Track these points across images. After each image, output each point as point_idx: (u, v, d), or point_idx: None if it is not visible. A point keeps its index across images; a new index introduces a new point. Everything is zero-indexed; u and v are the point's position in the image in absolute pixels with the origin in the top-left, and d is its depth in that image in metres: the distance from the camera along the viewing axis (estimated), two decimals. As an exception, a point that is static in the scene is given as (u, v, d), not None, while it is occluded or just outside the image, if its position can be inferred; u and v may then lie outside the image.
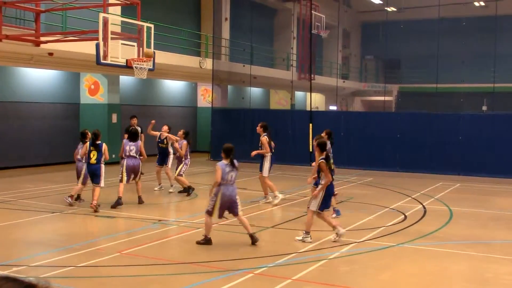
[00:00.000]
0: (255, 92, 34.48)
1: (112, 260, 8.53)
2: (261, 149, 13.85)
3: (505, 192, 16.72)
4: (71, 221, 11.62)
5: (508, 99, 36.46)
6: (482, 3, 37.96)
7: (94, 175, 12.57)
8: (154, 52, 15.55)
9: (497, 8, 36.57)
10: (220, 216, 9.53)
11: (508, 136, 19.71)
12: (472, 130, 20.36)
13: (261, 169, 13.90)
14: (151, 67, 15.59)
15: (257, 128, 14.18)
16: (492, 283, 7.91)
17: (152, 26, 15.70)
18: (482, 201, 14.81)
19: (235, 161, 9.59)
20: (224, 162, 9.58)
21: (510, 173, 19.17)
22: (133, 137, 13.50)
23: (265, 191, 14.03)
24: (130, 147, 13.34)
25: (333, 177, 10.07)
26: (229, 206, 9.46)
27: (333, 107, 38.82)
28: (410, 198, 14.81)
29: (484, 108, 36.69)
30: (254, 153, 14.00)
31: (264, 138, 13.75)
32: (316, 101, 37.64)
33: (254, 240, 9.53)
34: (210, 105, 26.84)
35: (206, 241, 9.57)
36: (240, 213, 9.53)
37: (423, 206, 13.55)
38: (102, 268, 8.18)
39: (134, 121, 18.06)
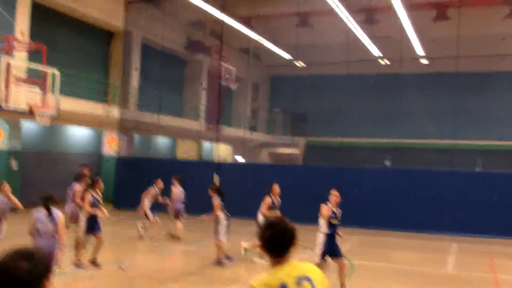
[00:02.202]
0: (162, 141, 34.25)
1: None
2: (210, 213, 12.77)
3: (405, 245, 17.30)
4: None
5: (409, 154, 38.07)
6: (387, 61, 39.83)
7: None
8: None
9: (401, 66, 38.65)
10: None
11: (410, 190, 20.51)
12: (375, 184, 21.08)
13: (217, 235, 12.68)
14: (55, 114, 15.18)
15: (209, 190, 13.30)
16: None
17: (57, 72, 15.37)
18: (383, 255, 15.25)
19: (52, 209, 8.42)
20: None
21: (412, 226, 19.86)
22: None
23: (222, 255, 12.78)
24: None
25: None
26: None
27: (240, 159, 39.12)
28: (311, 250, 14.98)
29: (387, 163, 38.07)
30: (206, 218, 12.88)
31: (216, 202, 12.74)
32: (223, 152, 37.83)
33: None
34: (115, 154, 26.32)
35: None
36: None
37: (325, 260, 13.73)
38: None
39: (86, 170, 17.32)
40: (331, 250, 10.18)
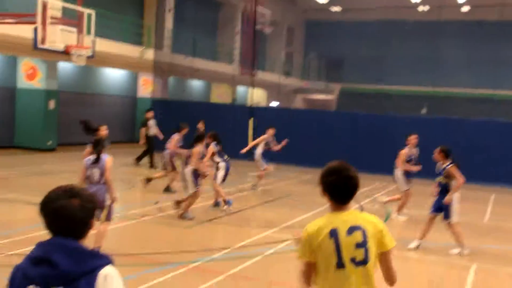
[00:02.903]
0: (196, 84, 34.25)
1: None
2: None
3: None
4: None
5: (446, 102, 37.37)
6: (426, 8, 38.80)
7: None
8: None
9: (440, 13, 37.57)
10: None
11: (448, 138, 20.12)
12: (410, 132, 20.75)
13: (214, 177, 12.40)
14: (91, 55, 15.22)
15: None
16: (425, 284, 8.06)
17: (93, 12, 15.31)
18: (419, 203, 15.13)
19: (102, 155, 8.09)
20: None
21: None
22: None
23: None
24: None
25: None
26: None
27: (274, 103, 39.00)
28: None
29: (424, 111, 37.55)
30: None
31: (211, 147, 12.19)
32: (258, 96, 37.71)
33: None
34: (150, 96, 26.45)
35: None
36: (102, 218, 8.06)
37: (360, 206, 13.76)
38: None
39: (150, 114, 19.03)
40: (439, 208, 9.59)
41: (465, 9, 38.39)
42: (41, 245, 2.43)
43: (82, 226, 2.49)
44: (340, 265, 3.23)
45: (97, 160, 7.97)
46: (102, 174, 7.95)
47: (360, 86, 41.58)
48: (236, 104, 34.39)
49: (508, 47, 38.15)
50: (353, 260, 3.24)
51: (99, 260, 2.41)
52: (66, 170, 16.40)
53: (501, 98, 37.54)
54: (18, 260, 2.53)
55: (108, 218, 8.11)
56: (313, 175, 19.81)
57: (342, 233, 3.24)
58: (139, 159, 19.02)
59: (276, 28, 35.95)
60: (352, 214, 3.36)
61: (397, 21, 39.87)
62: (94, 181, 7.95)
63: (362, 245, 3.25)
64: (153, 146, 18.61)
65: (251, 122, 21.32)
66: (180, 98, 29.59)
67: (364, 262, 3.25)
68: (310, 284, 3.35)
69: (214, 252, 8.73)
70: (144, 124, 18.81)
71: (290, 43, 44.41)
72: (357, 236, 3.25)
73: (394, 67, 39.81)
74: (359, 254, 3.24)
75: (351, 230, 3.26)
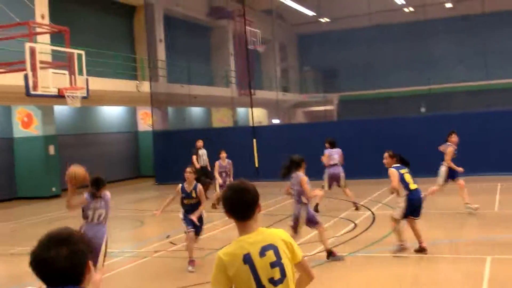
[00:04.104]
0: (196, 112, 34.19)
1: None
2: None
3: (448, 189, 16.90)
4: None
5: (443, 99, 37.41)
6: (411, 9, 39.06)
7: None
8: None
9: (425, 12, 37.74)
10: None
11: (445, 135, 20.02)
12: (413, 131, 20.69)
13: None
14: (85, 95, 15.14)
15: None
16: (445, 283, 7.89)
17: (82, 52, 15.25)
18: (428, 201, 14.91)
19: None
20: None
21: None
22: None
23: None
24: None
25: None
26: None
27: (275, 121, 38.90)
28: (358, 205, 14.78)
29: (423, 109, 37.55)
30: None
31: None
32: (258, 116, 37.62)
33: None
34: (151, 129, 26.37)
35: None
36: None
37: (372, 213, 13.54)
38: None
39: (200, 143, 17.91)
40: None
41: (449, 5, 38.60)
42: None
43: (75, 273, 2.33)
44: None
45: (97, 196, 7.62)
46: (106, 212, 7.73)
47: (357, 93, 41.60)
48: (237, 126, 34.29)
49: (494, 38, 38.30)
50: (271, 280, 3.18)
51: None
52: (74, 215, 16.19)
53: (495, 88, 37.57)
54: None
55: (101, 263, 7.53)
56: (320, 187, 19.57)
57: (256, 257, 3.17)
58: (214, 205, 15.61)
59: (268, 45, 35.95)
60: (260, 234, 3.26)
61: (385, 25, 40.05)
62: (95, 220, 7.62)
63: (277, 263, 3.19)
64: (209, 176, 17.11)
65: (254, 142, 21.17)
66: (181, 127, 29.51)
67: (281, 280, 3.20)
68: None
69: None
70: (195, 153, 17.82)
71: (285, 59, 44.46)
72: (270, 256, 3.19)
73: (388, 71, 39.87)
74: (276, 273, 3.19)
75: (263, 250, 3.19)
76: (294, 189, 9.14)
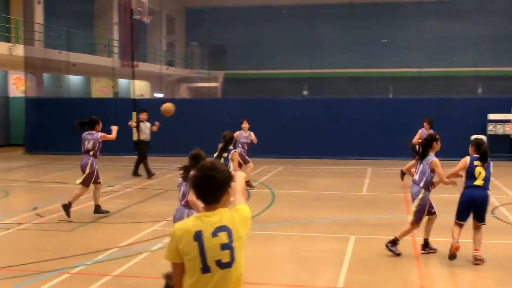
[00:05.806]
0: (74, 80, 32.76)
1: None
2: None
3: (323, 172, 17.48)
4: None
5: (326, 83, 38.58)
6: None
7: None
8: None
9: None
10: None
11: (328, 118, 20.65)
12: (295, 114, 21.10)
13: None
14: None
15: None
16: (310, 260, 8.11)
17: None
18: (302, 182, 15.32)
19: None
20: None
21: (331, 153, 20.08)
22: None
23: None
24: None
25: None
26: None
27: (158, 95, 38.23)
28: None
29: (305, 93, 38.48)
30: None
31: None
32: (141, 88, 36.77)
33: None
34: (23, 95, 24.89)
35: None
36: None
37: (247, 191, 13.66)
38: None
39: (144, 116, 16.66)
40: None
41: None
42: None
43: None
44: (205, 269, 3.09)
45: None
46: None
47: (242, 72, 41.87)
48: (118, 97, 33.30)
49: (378, 27, 40.02)
50: (218, 262, 3.10)
51: None
52: None
53: (375, 75, 39.32)
54: None
55: None
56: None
57: (207, 236, 3.10)
58: (135, 172, 16.25)
59: (155, 17, 35.09)
60: (219, 214, 3.17)
61: (274, 6, 40.56)
62: None
63: (227, 246, 3.11)
64: (146, 153, 16.25)
65: (134, 115, 20.60)
66: (57, 95, 28.15)
67: (229, 264, 3.12)
68: (181, 285, 3.19)
69: (98, 254, 8.26)
70: (137, 126, 16.60)
71: (171, 32, 43.69)
72: (222, 238, 3.11)
73: (274, 52, 40.45)
74: (225, 256, 3.11)
75: (216, 231, 3.12)
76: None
